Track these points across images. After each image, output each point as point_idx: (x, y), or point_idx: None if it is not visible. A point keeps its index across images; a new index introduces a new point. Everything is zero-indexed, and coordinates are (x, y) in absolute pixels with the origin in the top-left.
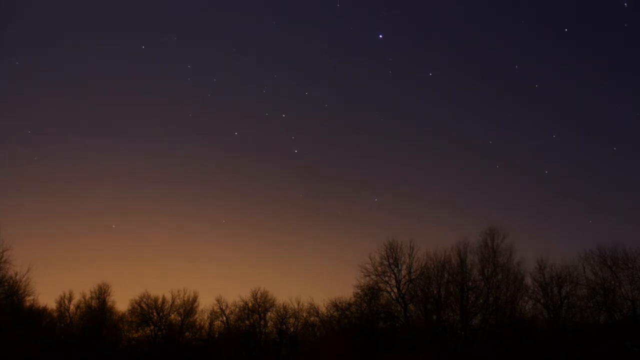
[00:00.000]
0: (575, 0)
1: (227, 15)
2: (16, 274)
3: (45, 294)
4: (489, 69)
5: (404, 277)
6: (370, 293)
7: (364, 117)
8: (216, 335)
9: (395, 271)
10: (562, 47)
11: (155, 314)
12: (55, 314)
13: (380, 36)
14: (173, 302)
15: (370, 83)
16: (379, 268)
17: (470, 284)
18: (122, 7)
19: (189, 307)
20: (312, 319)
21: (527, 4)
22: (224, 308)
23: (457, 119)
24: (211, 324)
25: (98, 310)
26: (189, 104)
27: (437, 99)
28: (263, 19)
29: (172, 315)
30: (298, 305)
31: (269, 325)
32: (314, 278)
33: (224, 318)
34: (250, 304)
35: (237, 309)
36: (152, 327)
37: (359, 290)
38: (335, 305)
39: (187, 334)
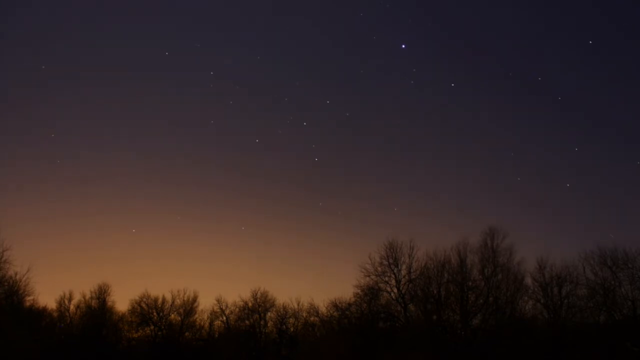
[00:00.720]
0: (600, 12)
1: (250, 24)
2: (16, 274)
3: (45, 294)
4: (512, 80)
5: (404, 277)
6: (370, 293)
7: (384, 125)
8: (216, 335)
9: (395, 271)
10: (586, 59)
11: (155, 314)
12: (55, 314)
13: (403, 46)
14: (173, 302)
15: (392, 93)
16: (379, 268)
17: (470, 284)
18: (146, 13)
19: (189, 307)
20: (312, 319)
21: (551, 16)
22: (224, 308)
23: (475, 125)
24: (211, 324)
25: (98, 310)
26: (210, 110)
27: (458, 108)
28: (286, 27)
29: (172, 315)
30: (298, 305)
31: (269, 325)
32: (314, 278)
33: (224, 318)
34: (250, 304)
35: (237, 309)
36: (152, 327)
37: (359, 290)
38: (335, 305)
39: (187, 334)
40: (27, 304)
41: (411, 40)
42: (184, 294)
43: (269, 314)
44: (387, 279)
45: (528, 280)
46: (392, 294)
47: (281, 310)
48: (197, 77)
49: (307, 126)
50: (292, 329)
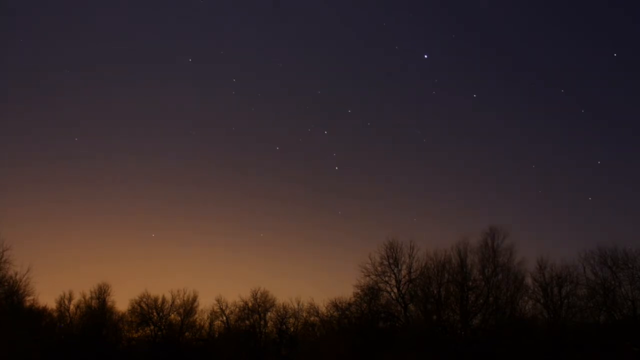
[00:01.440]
0: (624, 25)
1: (272, 32)
2: (16, 274)
3: (45, 294)
4: (534, 91)
5: (404, 277)
6: (370, 293)
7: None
8: (216, 335)
9: (395, 271)
10: (610, 72)
11: (155, 314)
12: (55, 314)
13: (426, 56)
14: (173, 302)
15: (414, 103)
16: (379, 268)
17: (470, 284)
18: (171, 20)
19: (189, 307)
20: (312, 319)
21: (575, 28)
22: (224, 308)
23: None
24: (211, 324)
25: (98, 310)
26: (233, 116)
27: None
28: (309, 37)
29: (172, 315)
30: (298, 305)
31: (269, 325)
32: (314, 278)
33: (224, 318)
34: (250, 304)
35: (237, 309)
36: (152, 327)
37: (359, 290)
38: (335, 305)
39: (187, 334)
40: (27, 304)
41: (434, 49)
42: (184, 294)
43: (269, 314)
44: (387, 279)
45: (528, 280)
46: (392, 294)
47: (281, 310)
48: (219, 84)
49: (327, 134)
50: (292, 329)
